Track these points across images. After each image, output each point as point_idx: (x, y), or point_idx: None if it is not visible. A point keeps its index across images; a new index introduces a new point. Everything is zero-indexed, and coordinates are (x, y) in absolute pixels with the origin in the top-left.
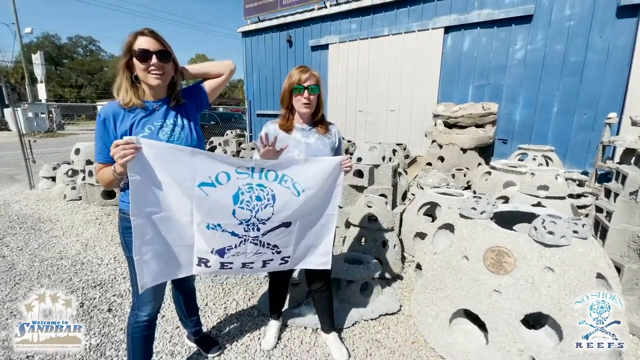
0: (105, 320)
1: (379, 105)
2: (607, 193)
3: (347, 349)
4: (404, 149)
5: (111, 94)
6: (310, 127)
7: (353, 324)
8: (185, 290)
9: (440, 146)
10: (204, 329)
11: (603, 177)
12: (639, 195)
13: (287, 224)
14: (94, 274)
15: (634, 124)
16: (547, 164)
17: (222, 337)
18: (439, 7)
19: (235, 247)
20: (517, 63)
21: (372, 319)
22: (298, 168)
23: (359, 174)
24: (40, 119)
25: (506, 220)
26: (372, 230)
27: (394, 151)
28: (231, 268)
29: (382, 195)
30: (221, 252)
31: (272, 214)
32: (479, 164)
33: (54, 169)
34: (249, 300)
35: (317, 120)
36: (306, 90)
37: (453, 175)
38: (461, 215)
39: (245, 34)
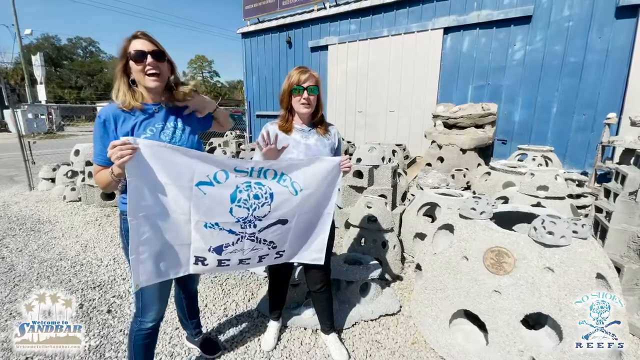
0: (104, 322)
1: (379, 106)
2: (607, 193)
3: (347, 349)
4: (404, 149)
5: (111, 95)
6: (309, 128)
7: (353, 325)
8: (189, 292)
9: (440, 147)
10: (204, 330)
11: (602, 178)
12: (638, 195)
13: (283, 222)
14: (93, 275)
15: (633, 124)
16: (547, 165)
17: (221, 338)
18: (438, 8)
19: (233, 244)
20: (516, 64)
21: (372, 320)
22: (297, 168)
23: (359, 174)
24: (39, 120)
25: (506, 220)
26: (372, 231)
27: (394, 152)
28: (228, 265)
29: (382, 195)
30: (219, 250)
31: (269, 211)
32: (479, 164)
33: (54, 170)
34: (249, 301)
35: (317, 121)
36: (305, 91)
37: (453, 176)
38: (461, 216)
39: (245, 35)
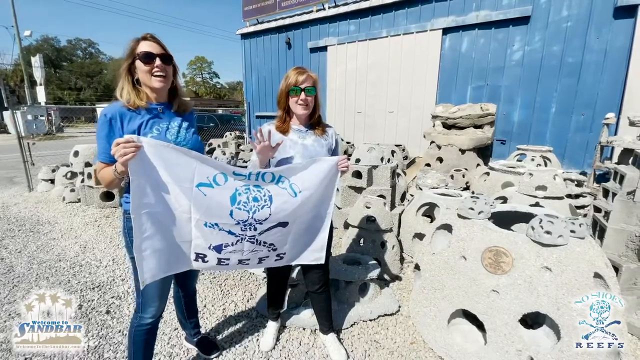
0: (103, 322)
1: (378, 106)
2: (605, 193)
3: (345, 350)
4: (403, 150)
5: (110, 96)
6: (306, 129)
7: (352, 325)
8: (187, 290)
9: (439, 147)
10: (203, 331)
11: (601, 177)
12: (636, 195)
13: (283, 224)
14: (93, 276)
15: (631, 124)
16: (546, 165)
17: (220, 339)
18: (436, 9)
19: (232, 245)
20: (515, 64)
21: (370, 320)
22: (295, 170)
23: (358, 175)
24: (39, 122)
25: (504, 220)
26: (371, 231)
27: (393, 152)
28: (228, 264)
29: (381, 196)
30: (218, 249)
31: (270, 214)
32: (478, 164)
33: (53, 171)
34: (248, 301)
35: (314, 121)
36: (303, 92)
37: (452, 176)
38: (459, 216)
39: (244, 36)
